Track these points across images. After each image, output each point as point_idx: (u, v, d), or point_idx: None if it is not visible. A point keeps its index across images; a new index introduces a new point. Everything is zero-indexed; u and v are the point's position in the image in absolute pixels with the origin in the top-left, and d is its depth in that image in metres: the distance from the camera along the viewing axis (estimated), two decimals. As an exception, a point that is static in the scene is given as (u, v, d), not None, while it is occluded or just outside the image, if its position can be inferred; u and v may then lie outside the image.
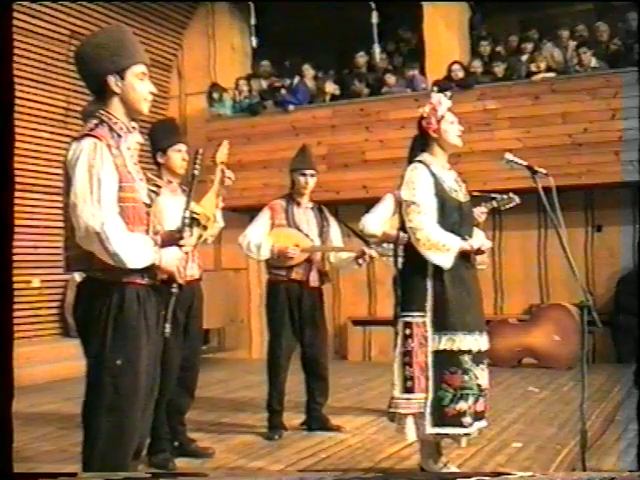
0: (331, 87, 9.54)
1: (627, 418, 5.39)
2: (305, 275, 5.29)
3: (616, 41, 8.57)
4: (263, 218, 5.39)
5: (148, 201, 2.91)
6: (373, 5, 9.28)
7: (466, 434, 3.95)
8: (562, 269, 7.00)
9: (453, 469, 4.14)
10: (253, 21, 9.83)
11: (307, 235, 5.34)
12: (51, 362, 8.05)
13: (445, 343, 3.92)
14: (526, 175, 4.04)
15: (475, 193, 4.60)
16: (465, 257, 3.98)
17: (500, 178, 7.41)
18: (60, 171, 2.90)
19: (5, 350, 3.12)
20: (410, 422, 3.92)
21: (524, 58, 8.95)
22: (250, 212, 6.94)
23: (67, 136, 7.43)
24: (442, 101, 4.10)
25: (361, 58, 9.73)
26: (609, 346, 8.24)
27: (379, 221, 5.27)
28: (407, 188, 4.00)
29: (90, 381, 2.81)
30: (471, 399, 3.90)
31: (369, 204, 5.54)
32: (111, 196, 2.75)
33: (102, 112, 2.87)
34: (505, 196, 4.98)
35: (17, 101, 7.15)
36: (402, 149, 4.70)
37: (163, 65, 10.47)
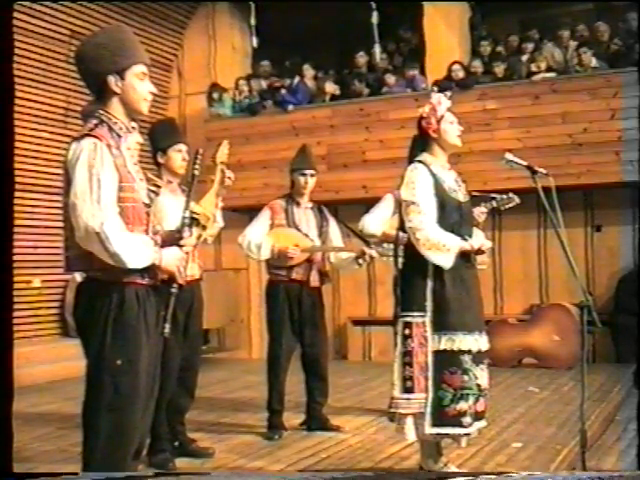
0: (331, 87, 9.54)
1: (627, 418, 5.39)
2: (305, 275, 5.29)
3: (616, 41, 8.56)
4: (263, 218, 5.39)
5: (148, 201, 2.91)
6: (373, 5, 9.28)
7: (466, 434, 3.95)
8: (562, 269, 7.02)
9: (453, 469, 4.14)
10: (253, 21, 9.83)
11: (306, 235, 5.34)
12: (51, 362, 8.04)
13: (445, 343, 3.91)
14: (526, 175, 4.03)
15: (475, 193, 4.60)
16: (465, 257, 3.98)
17: (500, 178, 7.41)
18: (60, 171, 2.90)
19: (5, 350, 3.12)
20: (410, 422, 3.92)
21: (524, 58, 8.95)
22: (250, 212, 6.94)
23: (67, 136, 7.42)
24: (442, 101, 4.10)
25: (361, 58, 9.73)
26: (609, 346, 8.25)
27: (379, 221, 5.28)
28: (407, 188, 3.99)
29: (90, 381, 2.81)
30: (471, 399, 3.90)
31: (369, 204, 5.55)
32: (111, 196, 2.74)
33: (102, 112, 2.86)
34: (505, 196, 4.98)
35: (17, 101, 7.17)
36: (402, 149, 4.71)
37: (163, 65, 10.47)
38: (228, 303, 9.62)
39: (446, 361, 3.91)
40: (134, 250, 2.75)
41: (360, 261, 5.26)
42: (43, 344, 8.60)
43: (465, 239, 3.98)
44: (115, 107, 2.88)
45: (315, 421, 5.37)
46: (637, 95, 7.34)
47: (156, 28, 10.14)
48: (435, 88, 7.85)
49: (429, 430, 3.89)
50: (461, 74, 8.76)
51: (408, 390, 3.94)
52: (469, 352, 3.92)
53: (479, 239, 4.11)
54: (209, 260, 9.53)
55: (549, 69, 8.59)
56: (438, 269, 3.92)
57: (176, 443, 4.63)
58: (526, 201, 5.00)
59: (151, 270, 2.85)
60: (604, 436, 4.97)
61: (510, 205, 5.01)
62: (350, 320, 9.54)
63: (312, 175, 5.40)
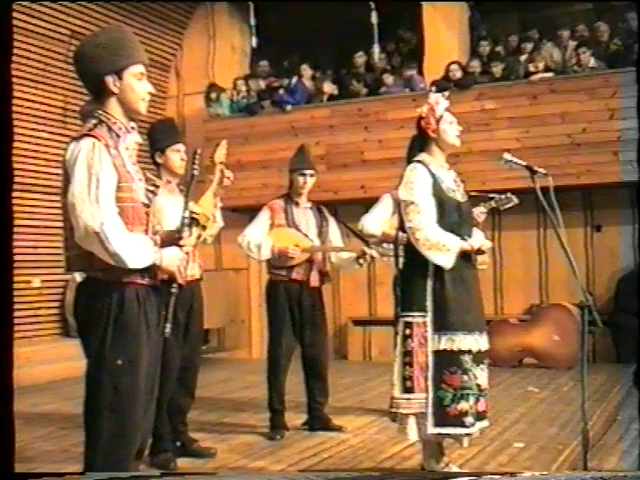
0: (329, 87, 9.54)
1: (628, 418, 5.40)
2: (306, 275, 5.28)
3: (616, 41, 8.57)
4: (263, 218, 5.38)
5: (147, 201, 2.91)
6: (372, 5, 9.28)
7: (468, 434, 3.94)
8: (562, 269, 7.01)
9: (455, 469, 4.13)
10: (252, 21, 9.83)
11: (306, 235, 5.33)
12: (51, 362, 8.04)
13: (445, 343, 3.91)
14: (525, 175, 4.04)
15: (474, 193, 4.61)
16: (466, 257, 3.97)
17: (499, 178, 7.41)
18: (59, 171, 2.90)
19: (5, 350, 3.12)
20: (412, 422, 3.92)
21: (523, 58, 8.95)
22: (249, 212, 6.94)
23: (66, 136, 7.42)
24: (440, 101, 4.10)
25: (360, 58, 9.73)
26: (609, 346, 8.25)
27: (378, 221, 5.29)
28: (406, 188, 3.99)
29: (90, 381, 2.80)
30: (472, 399, 3.89)
31: (368, 204, 5.55)
32: (110, 196, 2.74)
33: (101, 112, 2.86)
34: (504, 196, 4.98)
35: (16, 101, 7.17)
36: (401, 149, 4.71)
37: (162, 65, 10.46)
38: (228, 303, 9.61)
39: (446, 361, 3.90)
40: (134, 250, 2.74)
41: (361, 261, 5.26)
42: (43, 344, 8.59)
43: (464, 239, 3.97)
44: (113, 107, 2.88)
45: (317, 421, 5.37)
46: (636, 95, 7.34)
47: (155, 28, 10.14)
48: (433, 88, 7.84)
49: (431, 430, 3.88)
50: (459, 74, 8.76)
51: (408, 390, 3.94)
52: (469, 352, 3.92)
53: (479, 239, 4.10)
54: (209, 260, 9.52)
55: (547, 69, 8.59)
56: (438, 269, 3.92)
57: (178, 443, 4.62)
58: (526, 201, 5.00)
59: (151, 270, 2.85)
60: (606, 436, 4.97)
61: (509, 205, 5.01)
62: (350, 320, 9.54)
63: (312, 175, 5.40)
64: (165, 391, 4.10)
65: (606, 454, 4.54)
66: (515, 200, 4.98)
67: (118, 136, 2.85)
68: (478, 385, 3.94)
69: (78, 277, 2.99)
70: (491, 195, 4.99)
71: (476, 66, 8.93)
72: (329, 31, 10.38)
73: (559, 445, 4.76)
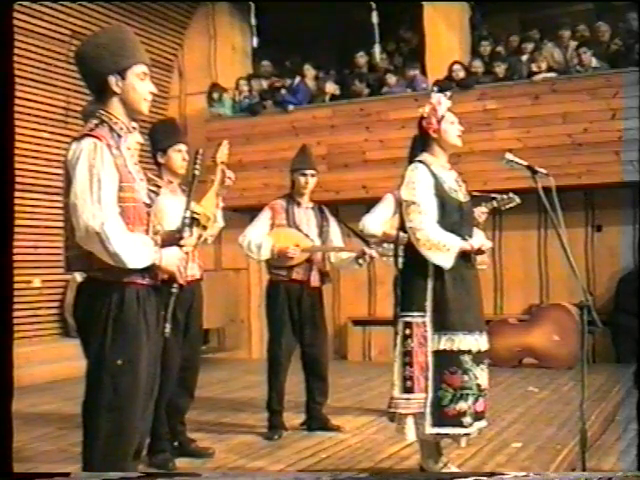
0: (331, 87, 9.55)
1: (627, 418, 5.40)
2: (306, 275, 5.28)
3: (617, 41, 8.57)
4: (263, 218, 5.39)
5: (148, 201, 2.91)
6: (373, 5, 9.29)
7: (466, 434, 3.94)
8: (562, 269, 7.01)
9: (453, 469, 4.13)
10: (253, 21, 9.84)
11: (307, 235, 5.33)
12: (51, 362, 8.04)
13: (445, 343, 3.91)
14: (526, 175, 4.04)
15: (475, 193, 4.61)
16: (465, 257, 3.97)
17: (500, 178, 7.41)
18: (60, 171, 2.90)
19: (5, 350, 3.12)
20: (410, 422, 3.92)
21: (525, 58, 8.96)
22: (250, 212, 6.94)
23: (67, 136, 7.42)
24: (442, 101, 4.10)
25: (361, 58, 9.72)
26: (609, 346, 8.25)
27: (379, 221, 5.29)
28: (407, 188, 3.99)
29: (90, 381, 2.81)
30: (471, 399, 3.90)
31: (369, 204, 5.56)
32: (111, 196, 2.74)
33: (102, 112, 2.87)
34: (505, 196, 4.99)
35: (17, 101, 7.17)
36: (402, 149, 4.72)
37: (163, 65, 10.47)
38: (228, 303, 9.62)
39: (446, 361, 3.90)
40: (134, 250, 2.75)
41: (360, 261, 5.26)
42: (43, 344, 8.59)
43: (465, 239, 3.97)
44: (115, 107, 2.88)
45: (315, 421, 5.37)
46: (637, 95, 7.36)
47: (156, 28, 10.14)
48: (435, 88, 7.85)
49: (429, 430, 3.88)
50: (462, 74, 8.77)
51: (408, 390, 3.94)
52: (469, 352, 3.92)
53: (479, 239, 4.10)
54: (209, 260, 9.53)
55: (549, 69, 8.59)
56: (438, 269, 3.92)
57: (175, 443, 4.62)
58: (526, 201, 5.00)
59: (151, 270, 2.85)
60: (604, 436, 4.98)
61: (511, 205, 5.02)
62: (350, 320, 9.55)
63: (312, 175, 5.40)
64: (164, 391, 4.10)
65: (604, 454, 4.55)
66: (517, 200, 4.98)
67: (119, 136, 2.86)
68: (478, 385, 3.94)
69: (78, 277, 2.99)
70: (493, 195, 5.00)
71: (479, 66, 8.94)
72: (330, 31, 10.39)
73: (557, 445, 4.76)
